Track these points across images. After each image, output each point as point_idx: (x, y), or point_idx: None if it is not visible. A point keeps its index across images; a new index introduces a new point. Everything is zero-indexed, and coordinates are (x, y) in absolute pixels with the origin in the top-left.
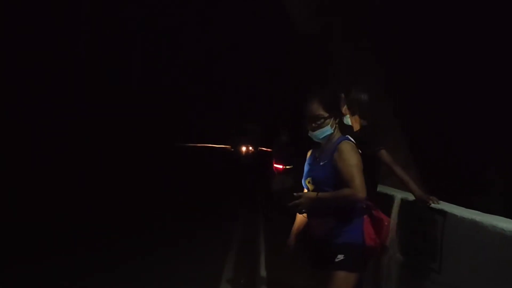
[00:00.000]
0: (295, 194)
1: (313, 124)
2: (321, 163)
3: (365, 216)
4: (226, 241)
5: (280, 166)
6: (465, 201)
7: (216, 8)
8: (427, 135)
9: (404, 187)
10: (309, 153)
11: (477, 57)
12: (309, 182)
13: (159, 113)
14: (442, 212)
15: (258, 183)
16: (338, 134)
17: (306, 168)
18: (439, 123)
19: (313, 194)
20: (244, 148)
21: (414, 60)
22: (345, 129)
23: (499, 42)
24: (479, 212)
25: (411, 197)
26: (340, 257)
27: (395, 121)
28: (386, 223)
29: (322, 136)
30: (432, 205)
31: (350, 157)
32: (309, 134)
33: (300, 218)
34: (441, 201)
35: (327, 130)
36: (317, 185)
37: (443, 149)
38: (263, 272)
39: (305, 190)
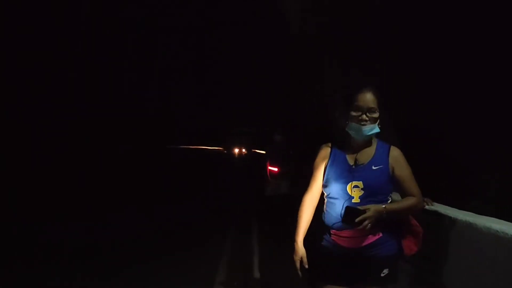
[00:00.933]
0: (360, 207)
1: (365, 117)
2: (373, 167)
3: (403, 226)
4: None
5: (275, 169)
6: (457, 204)
7: (215, 9)
8: (419, 137)
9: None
10: (325, 152)
11: (470, 58)
12: (355, 188)
13: (151, 114)
14: (436, 214)
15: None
16: (374, 138)
17: (342, 171)
18: (432, 124)
19: (380, 206)
20: (237, 150)
21: (405, 60)
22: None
23: (484, 41)
24: (473, 213)
25: None
26: (385, 271)
27: (387, 122)
28: (420, 234)
29: (370, 133)
30: (426, 207)
31: (407, 164)
32: (349, 129)
33: (305, 225)
34: (435, 203)
35: (376, 127)
36: (371, 192)
37: (435, 151)
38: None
39: (328, 198)
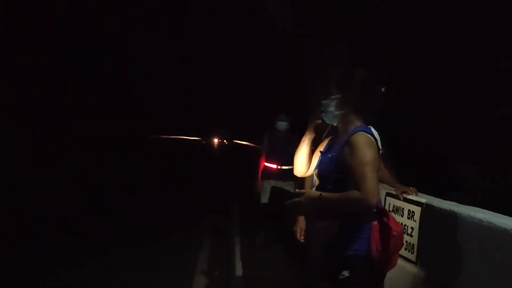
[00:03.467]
0: (296, 190)
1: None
2: (329, 155)
3: (374, 223)
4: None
5: (274, 166)
6: (438, 195)
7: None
8: (403, 130)
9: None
10: (326, 141)
11: (453, 53)
12: (316, 175)
13: (133, 106)
14: (420, 204)
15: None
16: (356, 123)
17: (317, 159)
18: (415, 118)
19: (316, 193)
20: (216, 140)
21: (392, 57)
22: None
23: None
24: (456, 203)
25: (390, 189)
26: (345, 273)
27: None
28: (394, 233)
29: (326, 118)
30: (411, 196)
31: (363, 152)
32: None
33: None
34: (419, 193)
35: (331, 112)
36: (322, 181)
37: (418, 144)
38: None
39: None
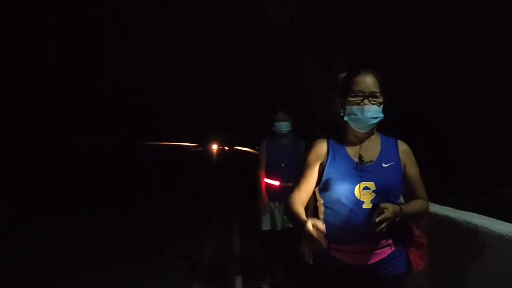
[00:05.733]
0: (381, 205)
1: (367, 102)
2: (384, 165)
3: (407, 237)
4: None
5: (276, 183)
6: (437, 201)
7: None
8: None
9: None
10: (322, 148)
11: (453, 54)
12: (365, 190)
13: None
14: None
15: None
16: (374, 130)
17: (347, 170)
18: (412, 121)
19: (397, 207)
20: (215, 147)
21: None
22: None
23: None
24: (452, 208)
25: None
26: None
27: None
28: (426, 245)
29: (374, 117)
30: None
31: (415, 160)
32: (347, 117)
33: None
34: None
35: (380, 112)
36: (384, 196)
37: (414, 148)
38: None
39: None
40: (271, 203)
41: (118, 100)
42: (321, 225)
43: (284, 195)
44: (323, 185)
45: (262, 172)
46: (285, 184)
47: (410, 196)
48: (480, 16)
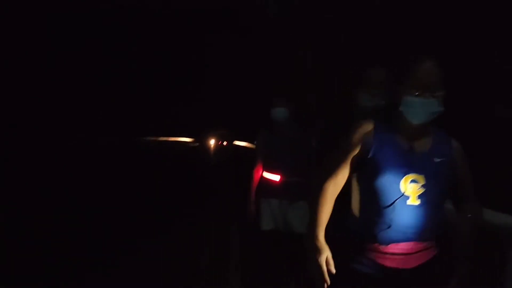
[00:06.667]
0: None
1: (428, 95)
2: (435, 159)
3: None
4: None
5: (276, 177)
6: None
7: None
8: None
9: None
10: (367, 128)
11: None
12: (412, 183)
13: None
14: None
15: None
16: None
17: (394, 157)
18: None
19: (467, 264)
20: (213, 142)
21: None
22: None
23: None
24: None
25: None
26: None
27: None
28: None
29: (435, 111)
30: None
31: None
32: (405, 106)
33: (325, 218)
34: None
35: (441, 106)
36: (433, 193)
37: None
38: None
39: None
40: (270, 200)
41: (117, 97)
42: (332, 265)
43: (284, 192)
44: (363, 171)
45: (257, 168)
46: (286, 179)
47: (459, 199)
48: (480, 16)
